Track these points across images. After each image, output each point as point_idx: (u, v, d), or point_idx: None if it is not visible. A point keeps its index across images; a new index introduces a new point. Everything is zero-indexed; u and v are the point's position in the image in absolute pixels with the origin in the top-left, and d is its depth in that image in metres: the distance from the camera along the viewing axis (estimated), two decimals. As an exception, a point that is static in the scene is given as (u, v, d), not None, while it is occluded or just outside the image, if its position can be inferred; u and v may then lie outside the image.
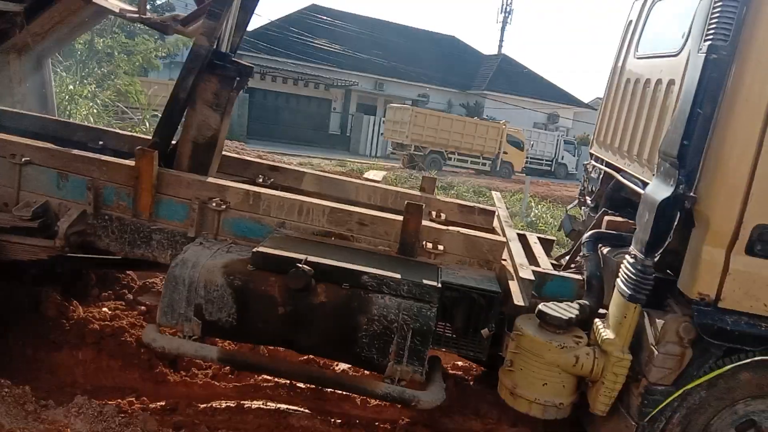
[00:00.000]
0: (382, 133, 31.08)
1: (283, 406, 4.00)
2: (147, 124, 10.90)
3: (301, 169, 4.86)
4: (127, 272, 5.27)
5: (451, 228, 3.89)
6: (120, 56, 20.25)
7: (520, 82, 40.04)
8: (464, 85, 39.78)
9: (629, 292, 3.07)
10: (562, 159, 35.58)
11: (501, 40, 46.70)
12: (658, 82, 3.71)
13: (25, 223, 3.82)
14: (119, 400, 3.84)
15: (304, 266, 3.27)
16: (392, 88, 36.91)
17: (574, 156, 35.75)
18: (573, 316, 3.36)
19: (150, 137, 5.89)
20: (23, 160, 3.86)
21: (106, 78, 16.99)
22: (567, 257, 4.65)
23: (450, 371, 4.74)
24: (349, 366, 4.22)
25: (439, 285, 3.39)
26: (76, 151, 3.96)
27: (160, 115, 11.65)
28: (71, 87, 9.07)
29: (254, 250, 3.41)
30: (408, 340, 3.31)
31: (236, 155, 5.04)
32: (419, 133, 27.15)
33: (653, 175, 3.26)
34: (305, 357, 4.39)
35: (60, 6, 4.87)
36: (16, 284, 4.33)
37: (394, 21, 45.57)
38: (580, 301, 3.51)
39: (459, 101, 39.54)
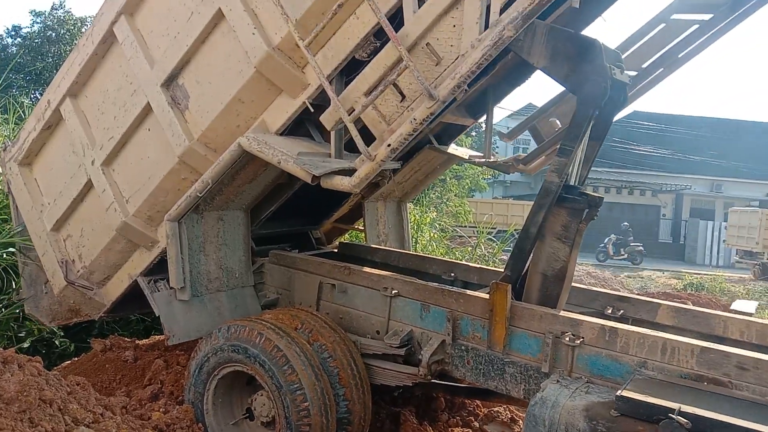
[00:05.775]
0: (724, 240, 27.72)
1: None
2: (482, 247, 11.53)
3: (655, 300, 4.49)
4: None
5: None
6: (451, 181, 22.37)
7: None
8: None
9: None
10: None
11: None
12: None
13: (393, 350, 4.25)
14: None
15: (679, 417, 2.91)
16: (732, 188, 33.09)
17: None
18: None
19: (491, 267, 6.29)
20: (393, 292, 4.35)
21: (437, 201, 18.80)
22: None
23: None
24: None
25: None
26: (436, 285, 4.31)
27: (494, 239, 12.27)
28: (417, 216, 10.19)
29: (618, 393, 3.17)
30: None
31: (582, 285, 4.92)
32: (774, 239, 23.50)
33: None
34: None
35: (419, 158, 5.58)
36: (378, 404, 4.77)
37: (726, 117, 41.62)
38: None
39: (823, 197, 33.45)
